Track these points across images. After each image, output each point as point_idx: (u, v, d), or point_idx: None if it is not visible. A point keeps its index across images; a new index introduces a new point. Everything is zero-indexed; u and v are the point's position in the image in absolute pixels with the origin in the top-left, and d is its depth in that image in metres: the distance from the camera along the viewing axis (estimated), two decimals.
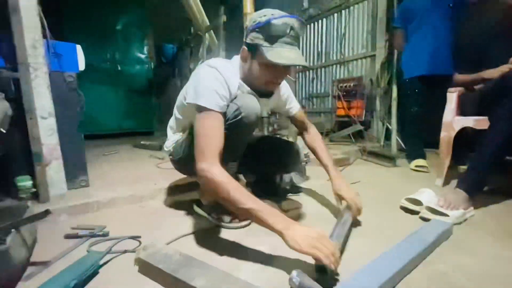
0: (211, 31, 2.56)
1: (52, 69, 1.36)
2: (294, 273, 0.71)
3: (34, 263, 0.89)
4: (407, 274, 0.79)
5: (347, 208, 1.11)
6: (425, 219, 1.19)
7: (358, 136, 3.23)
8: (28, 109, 1.22)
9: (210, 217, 1.17)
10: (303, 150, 1.84)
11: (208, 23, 2.67)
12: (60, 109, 1.37)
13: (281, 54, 0.88)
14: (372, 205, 1.30)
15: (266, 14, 0.90)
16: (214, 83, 0.91)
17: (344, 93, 3.31)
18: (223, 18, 2.35)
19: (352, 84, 3.20)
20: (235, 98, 0.97)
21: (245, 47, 0.96)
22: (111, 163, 2.25)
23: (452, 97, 1.68)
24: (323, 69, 3.99)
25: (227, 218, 1.13)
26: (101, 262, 0.86)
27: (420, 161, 2.11)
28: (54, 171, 1.34)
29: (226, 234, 1.08)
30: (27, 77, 1.21)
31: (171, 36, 4.00)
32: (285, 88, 1.25)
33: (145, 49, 4.30)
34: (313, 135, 1.33)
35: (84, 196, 1.39)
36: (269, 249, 0.94)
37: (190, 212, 1.30)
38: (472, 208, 1.25)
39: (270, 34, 0.89)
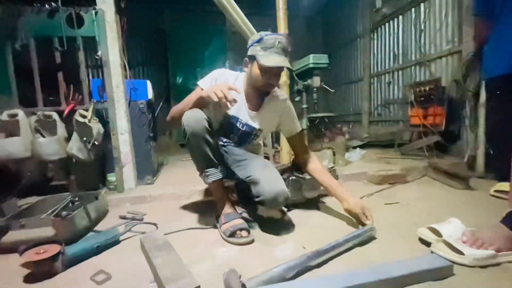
0: None
1: (131, 99, 1.95)
2: (227, 269, 0.83)
3: (94, 230, 1.36)
4: None
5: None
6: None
7: (441, 149, 2.67)
8: (112, 128, 1.82)
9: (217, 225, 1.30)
10: (328, 164, 1.80)
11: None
12: (134, 127, 1.95)
13: (270, 59, 1.16)
14: (388, 232, 1.19)
15: (260, 34, 1.22)
16: (215, 74, 1.30)
17: (421, 98, 2.82)
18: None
19: (428, 88, 2.71)
20: None
21: (246, 59, 1.27)
22: (182, 168, 2.82)
23: None
24: (400, 72, 3.52)
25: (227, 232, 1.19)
26: (124, 237, 1.23)
27: (504, 185, 1.61)
28: (127, 171, 1.90)
29: (216, 236, 1.27)
30: (112, 107, 1.80)
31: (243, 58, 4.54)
32: (283, 108, 1.38)
33: None
34: (315, 162, 1.41)
35: (144, 191, 1.89)
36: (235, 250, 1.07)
37: (210, 211, 1.53)
38: None
39: (263, 45, 1.18)
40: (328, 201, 1.68)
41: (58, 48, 1.69)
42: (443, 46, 2.82)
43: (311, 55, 2.32)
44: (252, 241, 1.14)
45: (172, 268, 0.86)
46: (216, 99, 1.06)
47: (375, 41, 3.98)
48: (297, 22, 4.83)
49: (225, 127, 1.35)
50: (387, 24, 3.67)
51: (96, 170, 1.91)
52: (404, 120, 3.43)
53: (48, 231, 1.16)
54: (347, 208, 1.26)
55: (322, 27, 5.93)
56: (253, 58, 1.22)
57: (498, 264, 0.91)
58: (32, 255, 0.93)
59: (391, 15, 3.55)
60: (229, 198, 1.34)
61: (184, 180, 2.17)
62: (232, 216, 1.23)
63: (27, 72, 1.70)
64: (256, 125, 1.34)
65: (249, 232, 1.18)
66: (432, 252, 1.00)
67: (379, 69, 3.96)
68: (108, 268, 0.97)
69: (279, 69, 1.23)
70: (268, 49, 1.17)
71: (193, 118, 1.15)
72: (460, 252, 0.93)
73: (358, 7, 4.25)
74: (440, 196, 1.70)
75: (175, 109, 1.30)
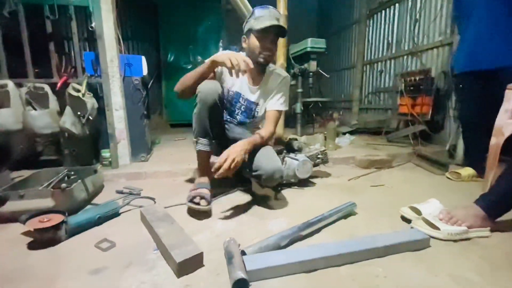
0: None
1: (125, 75, 1.92)
2: (227, 239, 0.90)
3: (91, 203, 1.39)
4: (330, 266, 0.84)
5: None
6: None
7: (425, 138, 2.80)
8: (107, 104, 1.79)
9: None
10: (320, 147, 1.87)
11: None
12: (128, 103, 1.93)
13: (263, 22, 1.25)
14: (373, 210, 1.29)
15: (252, 10, 1.35)
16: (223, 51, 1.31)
17: (411, 88, 2.92)
18: None
19: (418, 78, 2.79)
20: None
21: (244, 36, 1.37)
22: (174, 147, 2.82)
23: (510, 95, 1.35)
24: (392, 61, 3.58)
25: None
26: (123, 210, 1.27)
27: (465, 170, 1.79)
28: (122, 147, 1.90)
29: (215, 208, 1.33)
30: (107, 82, 1.77)
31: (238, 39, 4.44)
32: (276, 84, 1.45)
33: (220, 50, 4.95)
34: (261, 132, 1.37)
35: (139, 167, 1.91)
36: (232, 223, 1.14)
37: None
38: (488, 228, 1.06)
39: (255, 17, 1.29)
40: (319, 182, 1.77)
41: (50, 16, 1.61)
42: (436, 37, 2.88)
43: (309, 39, 2.32)
44: (207, 211, 1.20)
45: (175, 237, 0.92)
46: (229, 65, 1.11)
47: (371, 28, 3.98)
48: (292, 3, 4.72)
49: (229, 103, 1.43)
50: (383, 11, 3.67)
51: (89, 145, 1.89)
52: (393, 109, 3.54)
53: (47, 202, 1.18)
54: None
55: (318, 10, 5.84)
56: (249, 32, 1.33)
57: (469, 239, 1.03)
58: (35, 223, 0.96)
59: (388, 3, 3.55)
60: (209, 171, 1.34)
61: (178, 158, 2.20)
62: (200, 186, 1.31)
63: (16, 41, 1.62)
64: (254, 98, 1.43)
65: (208, 203, 1.22)
66: (412, 227, 1.11)
67: (372, 57, 4.01)
68: (111, 237, 1.02)
69: (275, 35, 1.30)
70: (261, 17, 1.28)
71: (208, 88, 1.22)
72: (437, 228, 1.04)
73: None
74: (422, 181, 1.83)
75: (186, 77, 1.28)
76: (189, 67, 4.95)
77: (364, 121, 3.88)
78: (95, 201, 1.45)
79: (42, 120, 1.65)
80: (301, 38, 2.65)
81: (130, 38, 4.80)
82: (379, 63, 3.83)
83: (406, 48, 3.31)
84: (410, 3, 3.19)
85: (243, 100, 1.43)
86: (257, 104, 1.45)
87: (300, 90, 2.55)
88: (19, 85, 1.67)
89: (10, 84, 1.62)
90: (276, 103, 1.44)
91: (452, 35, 2.63)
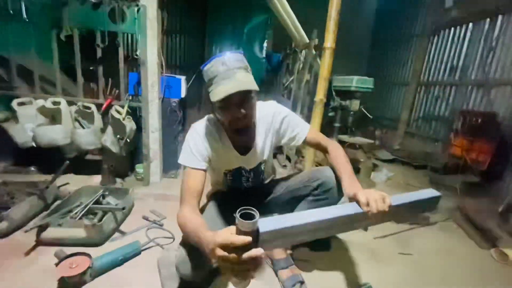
0: (313, 50, 2.58)
1: (164, 96, 1.97)
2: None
3: (119, 231, 1.50)
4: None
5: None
6: None
7: (475, 188, 2.47)
8: (144, 126, 1.88)
9: None
10: None
11: (308, 41, 2.71)
12: (164, 123, 2.00)
13: (219, 91, 0.91)
14: None
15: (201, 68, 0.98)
16: (191, 143, 1.04)
17: (470, 128, 2.55)
18: (315, 41, 2.35)
19: (480, 119, 2.42)
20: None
21: (208, 99, 0.99)
22: None
23: None
24: (452, 88, 3.15)
25: None
26: (144, 247, 1.35)
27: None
28: (154, 166, 2.00)
29: None
30: (146, 106, 1.84)
31: (283, 45, 4.24)
32: (272, 124, 1.14)
33: (264, 52, 4.81)
34: (332, 152, 1.11)
35: (168, 187, 2.00)
36: None
37: None
38: None
39: (208, 78, 0.95)
40: (338, 237, 1.66)
41: (100, 44, 1.69)
42: None
43: (355, 78, 2.10)
44: None
45: None
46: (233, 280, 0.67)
47: (433, 46, 3.52)
48: (346, 3, 4.29)
49: (231, 182, 1.24)
50: (452, 29, 3.20)
51: (126, 161, 2.03)
52: (444, 141, 3.17)
53: (80, 233, 1.30)
54: (349, 196, 0.91)
55: (374, 16, 5.31)
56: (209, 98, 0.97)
57: None
58: (65, 268, 1.06)
59: (460, 20, 3.07)
60: None
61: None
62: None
63: (69, 63, 1.75)
64: (256, 161, 1.19)
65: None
66: None
67: (430, 79, 3.57)
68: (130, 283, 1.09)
69: (238, 96, 0.91)
70: (214, 79, 0.93)
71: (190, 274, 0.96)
72: None
73: (421, 2, 3.70)
74: (461, 254, 1.62)
75: (185, 228, 0.89)
76: None
77: (408, 148, 3.55)
78: (124, 225, 1.57)
79: (87, 137, 1.79)
80: (353, 45, 2.37)
81: (177, 31, 4.91)
82: (437, 87, 3.40)
83: (472, 77, 2.87)
84: (487, 26, 2.72)
85: (246, 172, 1.22)
86: (263, 162, 1.22)
87: (337, 124, 2.38)
88: (70, 103, 1.82)
89: (63, 102, 1.77)
90: (301, 131, 1.15)
91: None
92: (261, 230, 0.63)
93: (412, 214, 0.97)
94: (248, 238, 0.60)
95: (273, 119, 1.14)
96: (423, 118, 3.63)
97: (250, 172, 1.23)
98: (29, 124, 1.74)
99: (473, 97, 2.84)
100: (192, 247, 0.90)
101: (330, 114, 2.37)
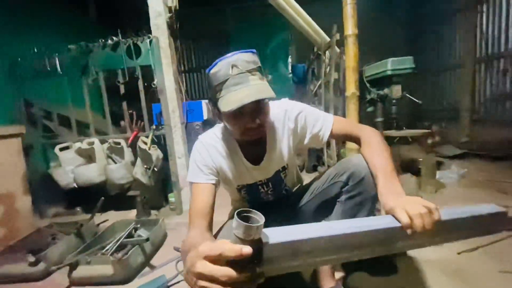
0: (336, 48, 2.41)
1: (187, 121, 1.95)
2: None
3: (149, 265, 1.40)
4: None
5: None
6: None
7: None
8: (170, 154, 1.85)
9: None
10: None
11: (329, 40, 2.55)
12: (191, 149, 1.95)
13: (231, 99, 0.77)
14: None
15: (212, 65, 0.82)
16: (196, 156, 0.92)
17: None
18: (336, 36, 2.17)
19: None
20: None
21: (212, 106, 0.88)
22: None
23: None
24: None
25: None
26: (172, 282, 1.21)
27: None
28: (185, 193, 1.93)
29: None
30: (169, 133, 1.83)
31: (306, 53, 4.13)
32: (289, 126, 0.95)
33: (289, 67, 4.75)
34: (365, 142, 0.88)
35: None
36: None
37: None
38: None
39: (216, 83, 0.80)
40: (410, 255, 1.30)
41: (121, 81, 1.78)
42: None
43: (390, 60, 1.78)
44: None
45: None
46: None
47: (484, 16, 3.00)
48: None
49: (248, 199, 1.07)
50: None
51: (158, 191, 2.01)
52: None
53: (108, 270, 1.23)
54: (385, 208, 0.68)
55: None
56: (216, 104, 0.84)
57: None
58: None
59: None
60: None
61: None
62: None
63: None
64: (275, 168, 1.00)
65: None
66: None
67: (488, 52, 3.00)
68: None
69: (253, 104, 0.77)
70: (224, 84, 0.78)
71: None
72: None
73: None
74: None
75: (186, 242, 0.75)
76: None
77: (480, 138, 2.92)
78: (155, 258, 1.47)
79: (119, 172, 1.82)
80: (382, 31, 2.08)
81: (204, 66, 5.20)
82: (501, 60, 2.82)
83: None
84: None
85: (264, 185, 1.03)
86: (285, 168, 1.03)
87: (379, 119, 2.05)
88: (102, 141, 1.91)
89: (96, 142, 1.86)
90: (323, 125, 0.94)
91: None
92: (269, 240, 0.44)
93: (469, 235, 0.67)
94: (247, 249, 0.41)
95: (286, 117, 0.95)
96: (492, 99, 3.00)
97: (268, 184, 1.02)
98: (70, 167, 1.85)
99: None
100: None
101: (369, 109, 2.06)
